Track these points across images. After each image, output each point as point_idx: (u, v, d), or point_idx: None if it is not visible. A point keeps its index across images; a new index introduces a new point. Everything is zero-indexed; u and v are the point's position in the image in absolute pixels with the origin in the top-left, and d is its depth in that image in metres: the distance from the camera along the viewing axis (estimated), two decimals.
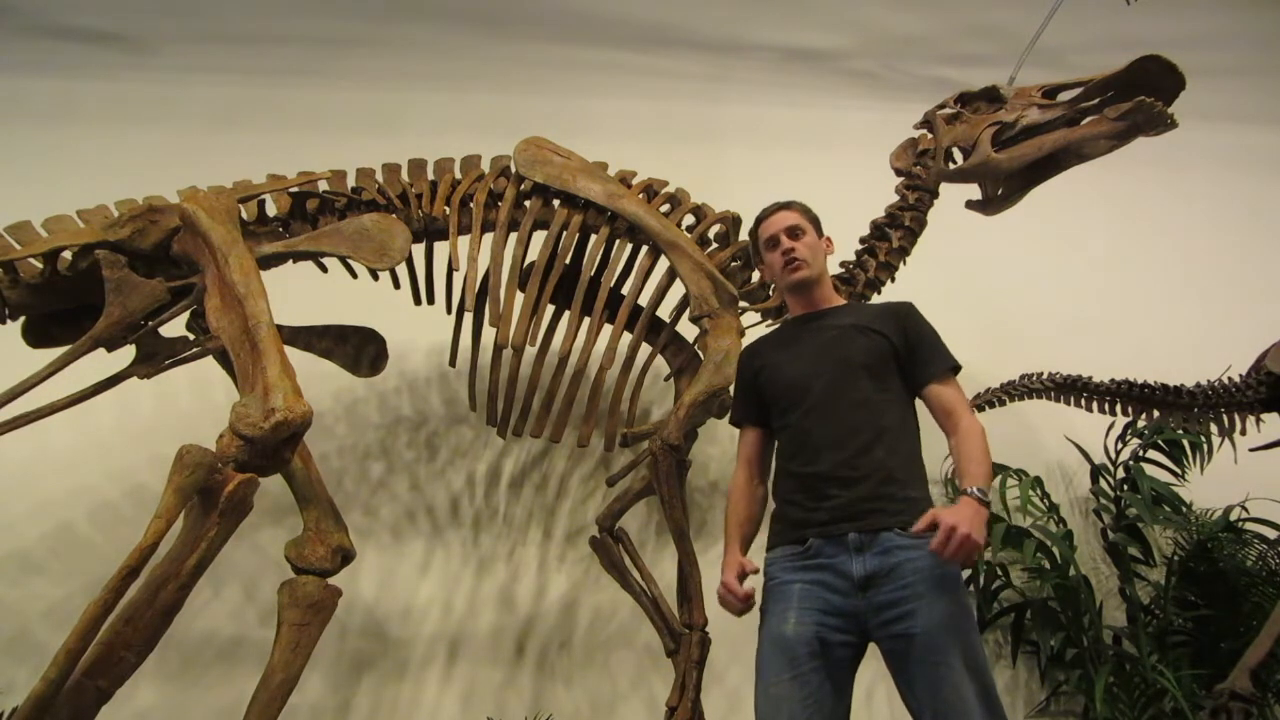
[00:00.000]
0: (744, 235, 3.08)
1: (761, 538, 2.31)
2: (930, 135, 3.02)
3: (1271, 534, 3.39)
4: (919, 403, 2.31)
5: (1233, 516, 3.46)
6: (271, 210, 2.92)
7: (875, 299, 3.02)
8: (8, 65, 4.32)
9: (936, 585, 1.96)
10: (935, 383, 2.24)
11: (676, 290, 2.96)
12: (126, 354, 2.71)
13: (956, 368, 2.28)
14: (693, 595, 2.77)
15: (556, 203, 3.00)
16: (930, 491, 3.66)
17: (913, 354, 2.26)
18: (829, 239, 2.48)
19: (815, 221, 2.47)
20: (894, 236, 2.99)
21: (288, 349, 2.40)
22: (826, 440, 2.15)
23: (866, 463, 2.10)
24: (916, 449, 2.22)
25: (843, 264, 3.05)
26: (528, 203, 2.99)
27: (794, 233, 2.40)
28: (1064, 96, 2.81)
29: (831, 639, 2.00)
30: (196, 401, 3.56)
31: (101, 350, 2.60)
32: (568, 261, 2.96)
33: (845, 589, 2.02)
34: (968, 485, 2.00)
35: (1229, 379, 3.26)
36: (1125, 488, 3.52)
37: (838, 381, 2.20)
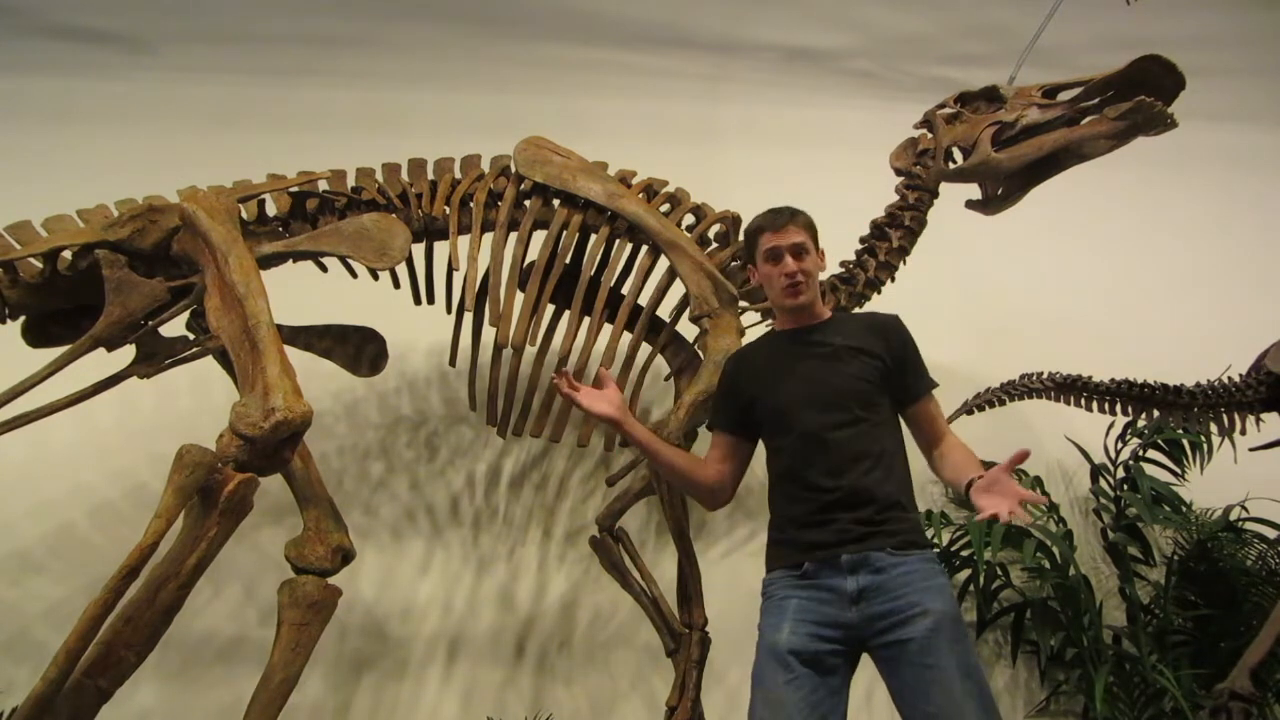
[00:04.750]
0: (744, 235, 3.08)
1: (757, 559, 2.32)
2: (930, 135, 3.02)
3: (1271, 534, 3.39)
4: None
5: (1233, 516, 3.46)
6: (271, 210, 2.92)
7: (872, 301, 3.02)
8: (8, 65, 4.32)
9: (927, 593, 2.01)
10: (921, 401, 2.30)
11: (676, 290, 2.96)
12: (126, 354, 2.71)
13: (934, 384, 2.34)
14: (693, 595, 2.78)
15: (556, 202, 3.00)
16: (933, 491, 3.69)
17: (901, 371, 2.28)
18: (822, 252, 2.42)
19: (816, 236, 2.40)
20: (894, 236, 2.99)
21: (288, 349, 2.41)
22: (824, 467, 2.17)
23: (864, 489, 2.13)
24: (907, 468, 2.25)
25: (843, 263, 3.05)
26: (528, 202, 2.98)
27: (799, 253, 2.32)
28: (1064, 96, 2.81)
29: (824, 648, 2.06)
30: (196, 401, 3.56)
31: (101, 350, 2.60)
32: (568, 261, 2.96)
33: (839, 603, 2.07)
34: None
35: (1229, 379, 3.26)
36: (1125, 487, 3.52)
37: (831, 407, 2.20)
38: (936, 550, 3.36)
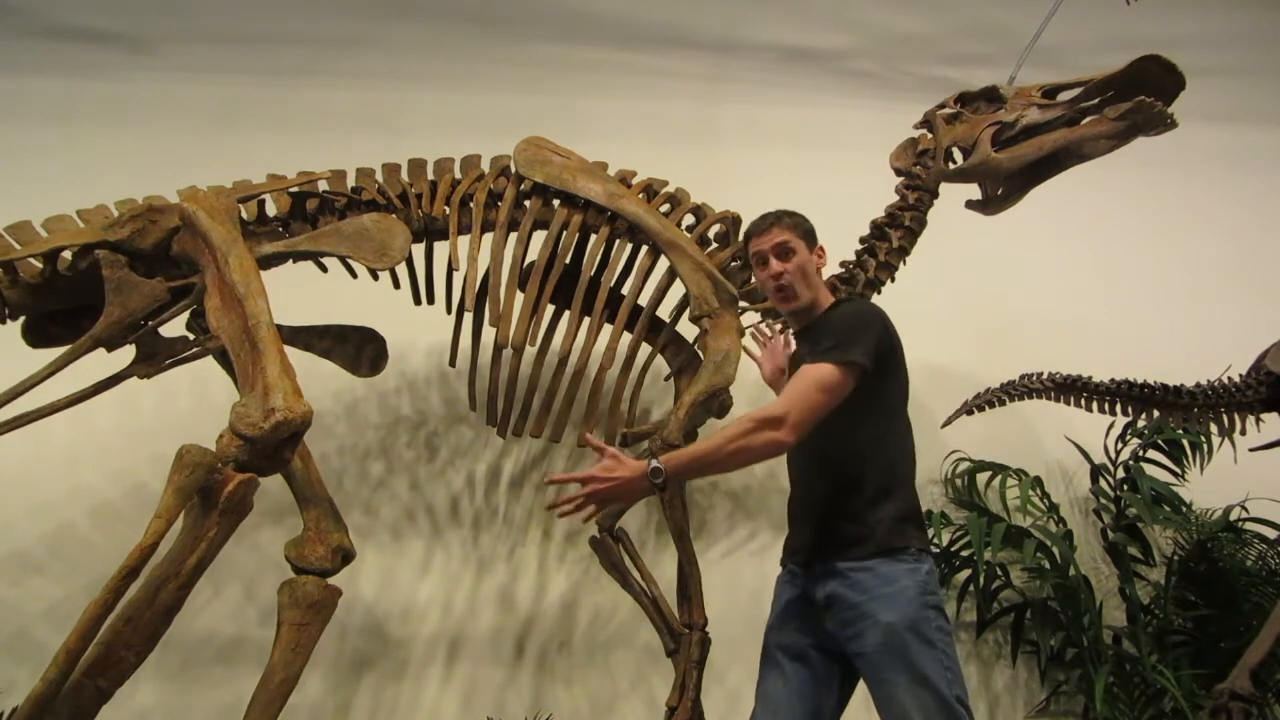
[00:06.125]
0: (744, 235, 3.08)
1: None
2: (930, 135, 3.02)
3: (1271, 534, 3.39)
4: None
5: (1233, 516, 3.46)
6: (271, 210, 2.92)
7: (875, 298, 3.02)
8: (8, 65, 4.32)
9: (881, 602, 2.03)
10: (805, 364, 2.14)
11: (676, 290, 2.96)
12: (126, 354, 2.71)
13: (835, 354, 2.09)
14: (693, 595, 2.78)
15: (556, 202, 3.00)
16: (932, 491, 3.68)
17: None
18: (821, 249, 2.37)
19: (808, 234, 2.34)
20: (894, 236, 2.99)
21: (288, 349, 2.41)
22: (797, 473, 2.34)
23: (821, 497, 2.21)
24: (887, 465, 2.17)
25: (843, 264, 3.05)
26: (528, 202, 2.98)
27: (783, 253, 2.29)
28: (1064, 96, 2.81)
29: (808, 643, 2.17)
30: (196, 401, 3.56)
31: (101, 350, 2.60)
32: (568, 261, 2.96)
33: (815, 610, 2.16)
34: (662, 457, 2.01)
35: (1229, 379, 3.25)
36: (1125, 488, 3.52)
37: None
38: (936, 548, 3.37)
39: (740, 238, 3.04)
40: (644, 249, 2.97)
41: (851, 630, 2.04)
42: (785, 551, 2.35)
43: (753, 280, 3.04)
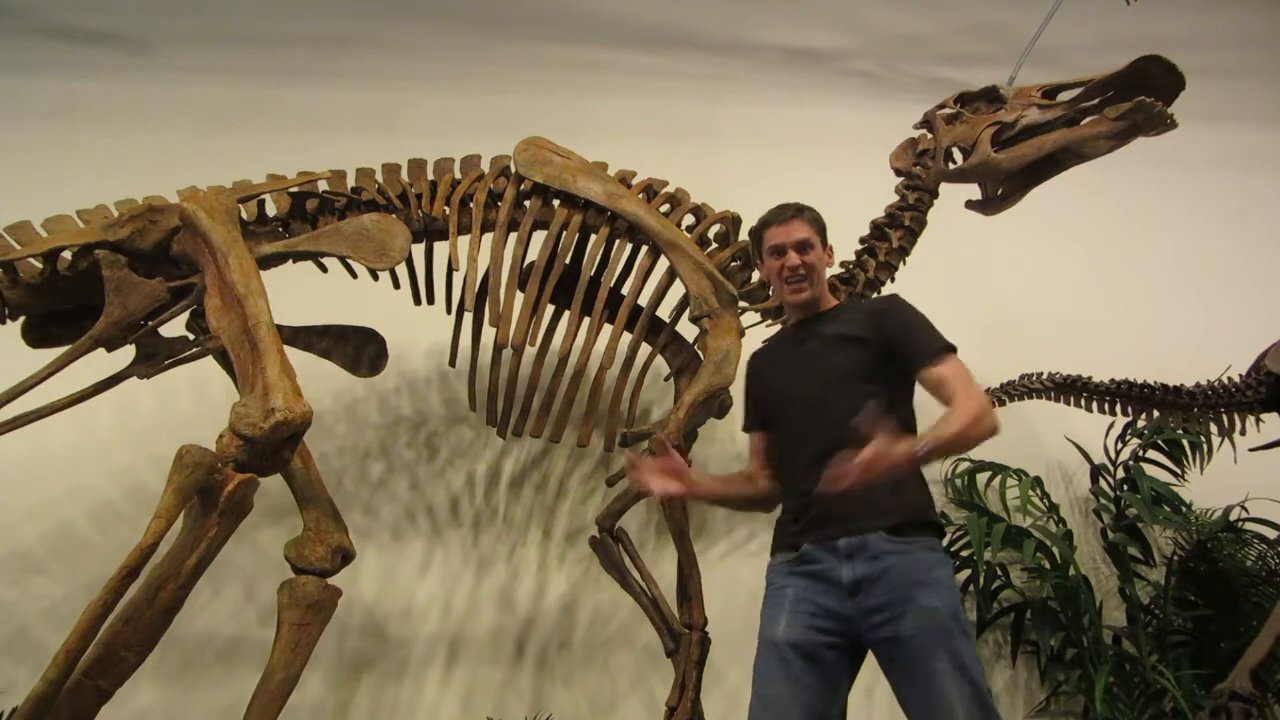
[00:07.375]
0: (744, 235, 3.08)
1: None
2: (930, 135, 3.02)
3: (1271, 534, 3.39)
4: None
5: (1232, 516, 3.46)
6: (271, 210, 2.92)
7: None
8: (8, 65, 4.32)
9: (923, 588, 1.98)
10: (923, 371, 2.16)
11: (676, 290, 2.96)
12: (126, 354, 2.71)
13: (947, 348, 2.17)
14: (693, 595, 2.77)
15: (556, 203, 3.00)
16: (933, 492, 3.68)
17: (898, 350, 2.20)
18: (830, 247, 2.42)
19: (823, 230, 2.39)
20: (894, 236, 2.99)
21: (288, 349, 2.41)
22: (810, 454, 2.15)
23: None
24: None
25: (843, 264, 3.05)
26: (527, 203, 2.99)
27: (803, 248, 2.32)
28: (1064, 96, 2.81)
29: (823, 640, 2.04)
30: (196, 401, 3.56)
31: (101, 350, 2.60)
32: (568, 261, 2.96)
33: (836, 594, 2.05)
34: (919, 439, 1.97)
35: (1229, 379, 3.26)
36: (1125, 488, 3.52)
37: (816, 397, 2.20)
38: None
39: (743, 234, 3.05)
40: (644, 249, 2.97)
41: (889, 613, 1.97)
42: (794, 534, 2.17)
43: (753, 279, 3.05)
